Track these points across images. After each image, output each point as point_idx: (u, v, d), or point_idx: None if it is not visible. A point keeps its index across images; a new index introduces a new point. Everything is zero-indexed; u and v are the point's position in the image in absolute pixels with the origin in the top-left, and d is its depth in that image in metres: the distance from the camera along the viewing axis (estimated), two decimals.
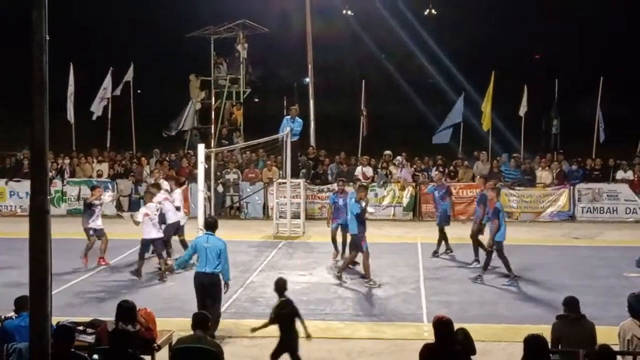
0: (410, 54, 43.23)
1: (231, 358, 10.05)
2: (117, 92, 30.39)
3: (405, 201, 25.56)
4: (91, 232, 18.50)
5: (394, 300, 15.51)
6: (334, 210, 19.34)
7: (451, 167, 26.53)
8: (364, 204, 16.77)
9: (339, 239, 19.13)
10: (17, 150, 30.34)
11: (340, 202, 19.05)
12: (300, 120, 24.22)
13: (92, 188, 19.29)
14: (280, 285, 11.14)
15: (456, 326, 8.56)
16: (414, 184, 25.62)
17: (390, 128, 38.24)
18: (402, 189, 25.66)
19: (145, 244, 17.26)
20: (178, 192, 19.03)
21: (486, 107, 28.63)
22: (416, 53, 43.16)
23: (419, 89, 42.21)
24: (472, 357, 8.59)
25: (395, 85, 42.94)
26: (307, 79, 31.69)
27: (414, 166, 26.78)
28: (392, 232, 23.23)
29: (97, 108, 30.09)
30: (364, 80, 30.38)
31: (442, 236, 19.46)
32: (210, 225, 13.21)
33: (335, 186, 21.04)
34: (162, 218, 17.87)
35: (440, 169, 24.72)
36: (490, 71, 28.68)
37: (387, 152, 27.48)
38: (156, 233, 17.26)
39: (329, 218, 19.79)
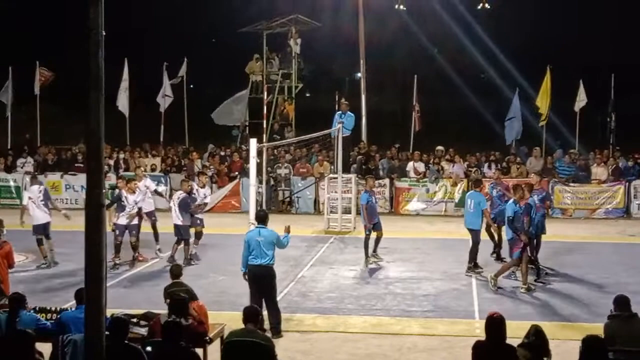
0: (463, 48, 42.84)
1: (282, 352, 10.06)
2: (169, 90, 30.75)
3: (457, 197, 25.38)
4: (119, 230, 17.80)
5: (445, 297, 15.41)
6: (369, 210, 18.21)
7: (504, 164, 26.26)
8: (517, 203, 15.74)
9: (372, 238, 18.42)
10: (72, 144, 30.84)
11: (374, 200, 18.63)
12: (352, 115, 24.19)
13: (128, 181, 18.51)
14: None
15: (508, 323, 8.49)
16: (466, 180, 25.45)
17: (442, 123, 37.99)
18: (454, 184, 25.49)
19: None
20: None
21: (541, 102, 28.29)
22: (469, 47, 42.75)
23: (471, 84, 41.84)
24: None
25: (447, 80, 42.61)
26: (359, 74, 31.63)
27: (467, 162, 26.59)
28: (444, 228, 23.10)
29: (162, 103, 30.52)
30: (416, 75, 30.23)
31: (499, 234, 18.39)
32: (262, 219, 13.27)
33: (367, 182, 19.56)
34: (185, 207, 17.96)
35: (496, 166, 24.46)
36: (545, 66, 28.31)
37: (439, 147, 27.34)
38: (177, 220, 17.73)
39: (365, 219, 18.25)
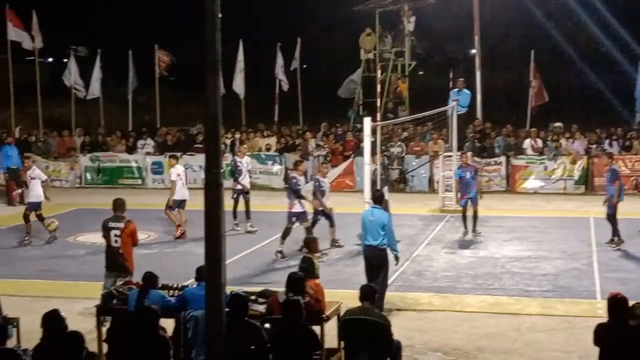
0: (581, 22, 41.49)
1: (398, 330, 10.05)
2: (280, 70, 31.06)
3: (576, 174, 24.73)
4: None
5: (565, 276, 15.06)
6: (462, 185, 18.68)
7: (627, 142, 25.40)
8: None
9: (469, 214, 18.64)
10: (189, 125, 31.55)
11: (467, 175, 18.60)
12: (467, 92, 23.81)
13: (296, 163, 18.67)
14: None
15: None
16: (586, 157, 24.76)
17: (560, 99, 37.00)
18: (573, 162, 24.82)
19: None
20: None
21: None
22: (587, 21, 41.39)
23: (590, 59, 40.54)
24: None
25: (565, 55, 41.42)
26: (474, 51, 31.11)
27: (587, 139, 25.86)
28: (563, 206, 22.56)
29: (277, 83, 30.92)
30: (532, 51, 29.52)
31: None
32: (377, 199, 13.26)
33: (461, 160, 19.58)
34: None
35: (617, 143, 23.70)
36: None
37: (557, 124, 26.67)
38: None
39: (457, 194, 19.15)
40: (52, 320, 8.25)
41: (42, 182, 18.92)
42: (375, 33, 32.49)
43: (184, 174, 19.44)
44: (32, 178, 18.81)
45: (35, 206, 18.64)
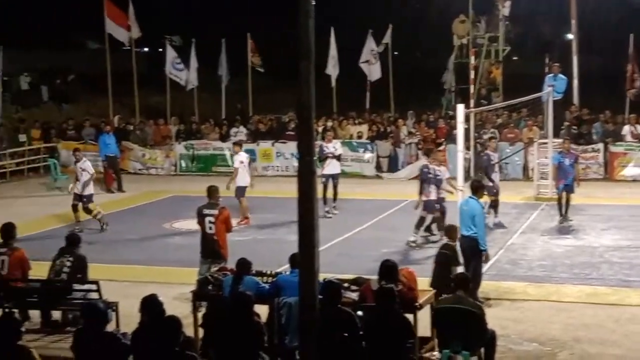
0: None
1: (492, 320, 9.93)
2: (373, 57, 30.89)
3: None
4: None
5: None
6: (560, 171, 18.44)
7: None
8: None
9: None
10: (280, 112, 31.75)
11: (567, 162, 18.30)
12: (563, 77, 23.27)
13: (428, 151, 18.61)
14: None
15: None
16: None
17: None
18: None
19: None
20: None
21: None
22: None
23: None
24: None
25: None
26: (570, 35, 30.38)
27: None
28: None
29: (368, 71, 30.81)
30: (631, 35, 28.62)
31: None
32: (474, 189, 13.16)
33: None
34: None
35: None
36: None
37: None
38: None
39: (555, 180, 19.02)
40: (151, 305, 8.43)
41: (90, 175, 18.80)
42: (468, 19, 32.08)
43: (247, 161, 19.46)
44: (82, 170, 18.84)
45: (84, 199, 18.64)
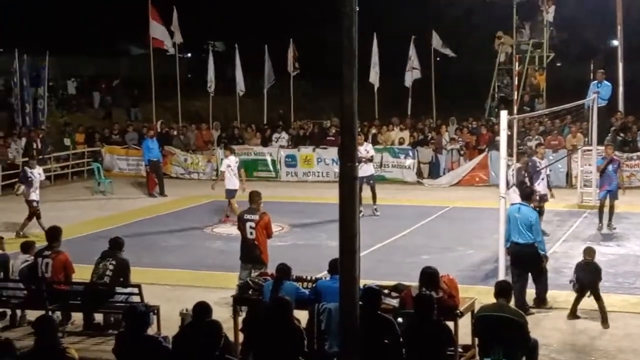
0: None
1: (535, 329, 9.83)
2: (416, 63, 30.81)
3: None
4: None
5: None
6: (604, 177, 18.21)
7: None
8: None
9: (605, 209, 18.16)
10: (321, 118, 31.78)
11: (610, 168, 18.08)
12: (608, 84, 22.99)
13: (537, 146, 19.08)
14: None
15: None
16: None
17: None
18: None
19: None
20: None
21: None
22: None
23: None
24: None
25: None
26: (615, 41, 30.01)
27: None
28: None
29: (408, 78, 30.74)
30: None
31: None
32: (525, 196, 13.11)
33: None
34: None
35: None
36: None
37: None
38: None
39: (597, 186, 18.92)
40: (205, 312, 8.51)
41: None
42: (506, 34, 31.95)
43: (235, 165, 20.12)
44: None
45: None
